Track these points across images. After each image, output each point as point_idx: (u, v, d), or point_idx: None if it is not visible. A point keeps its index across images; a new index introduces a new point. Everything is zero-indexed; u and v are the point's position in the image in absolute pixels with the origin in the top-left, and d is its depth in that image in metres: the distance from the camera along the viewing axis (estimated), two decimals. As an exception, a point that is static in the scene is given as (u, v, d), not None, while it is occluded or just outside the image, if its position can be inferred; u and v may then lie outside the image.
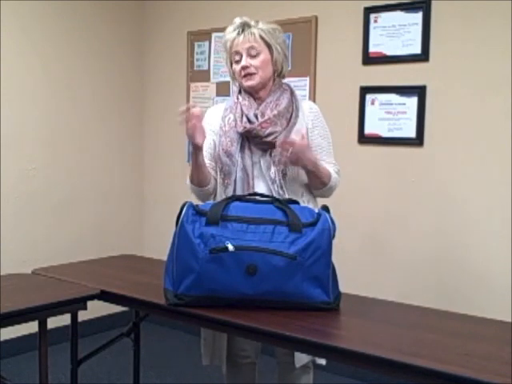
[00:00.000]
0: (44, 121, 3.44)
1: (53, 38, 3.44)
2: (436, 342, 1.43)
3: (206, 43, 3.61)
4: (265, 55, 1.94)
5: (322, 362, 2.05)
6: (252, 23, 1.95)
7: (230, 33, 1.97)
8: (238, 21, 1.97)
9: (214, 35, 3.57)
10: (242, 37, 1.93)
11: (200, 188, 1.97)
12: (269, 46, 1.95)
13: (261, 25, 1.96)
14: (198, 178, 1.95)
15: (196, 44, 3.67)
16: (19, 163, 3.33)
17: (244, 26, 1.94)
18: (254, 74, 1.94)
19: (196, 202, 1.76)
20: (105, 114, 3.78)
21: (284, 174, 1.94)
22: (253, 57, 1.93)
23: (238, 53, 1.95)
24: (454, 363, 1.29)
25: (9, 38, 3.23)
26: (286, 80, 2.08)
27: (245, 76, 1.95)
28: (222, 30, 3.49)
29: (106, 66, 3.75)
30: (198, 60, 3.67)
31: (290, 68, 2.13)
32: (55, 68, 3.47)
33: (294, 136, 1.84)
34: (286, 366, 2.10)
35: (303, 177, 1.98)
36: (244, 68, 1.94)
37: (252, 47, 1.92)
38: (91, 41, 3.65)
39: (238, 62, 1.96)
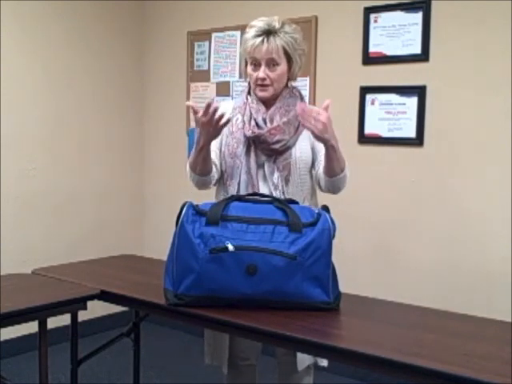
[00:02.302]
0: (44, 121, 3.44)
1: (53, 38, 3.44)
2: (436, 342, 1.43)
3: (206, 43, 3.61)
4: (283, 67, 1.91)
5: (324, 364, 2.04)
6: (276, 26, 1.89)
7: (253, 38, 1.89)
8: (262, 25, 1.89)
9: (213, 35, 3.57)
10: (264, 47, 1.87)
11: (201, 177, 1.94)
12: (289, 58, 1.92)
13: (284, 33, 1.88)
14: (201, 169, 1.91)
15: (196, 44, 3.67)
16: (19, 163, 3.33)
17: (269, 35, 1.88)
18: (269, 85, 1.92)
19: (196, 202, 1.76)
20: (105, 114, 3.78)
21: (287, 181, 1.93)
22: (271, 68, 1.90)
23: (256, 60, 1.90)
24: (454, 363, 1.29)
25: (9, 38, 3.23)
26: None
27: (259, 85, 1.92)
28: (222, 29, 3.54)
29: (106, 66, 3.75)
30: (198, 60, 3.67)
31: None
32: (55, 68, 3.47)
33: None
34: (286, 366, 2.09)
35: (305, 183, 1.98)
36: (261, 79, 1.91)
37: (272, 59, 1.89)
38: (91, 41, 3.65)
39: (255, 68, 1.92)
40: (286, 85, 2.00)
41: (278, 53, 1.89)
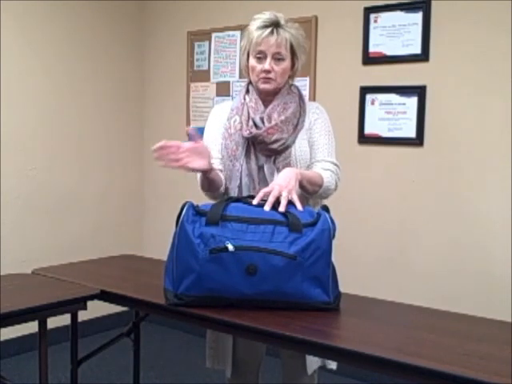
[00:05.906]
0: (44, 121, 3.44)
1: (53, 39, 3.44)
2: (436, 342, 1.43)
3: (206, 43, 3.61)
4: (287, 62, 1.88)
5: (333, 366, 2.01)
6: (282, 22, 1.86)
7: (260, 28, 1.84)
8: (268, 17, 1.86)
9: (213, 35, 3.58)
10: (273, 38, 1.83)
11: (211, 193, 1.94)
12: (293, 55, 1.89)
13: (290, 28, 1.87)
14: (210, 188, 1.90)
15: (196, 44, 3.67)
16: (19, 163, 3.33)
17: (277, 27, 1.85)
18: (273, 80, 1.87)
19: (196, 202, 1.75)
20: (105, 114, 3.78)
21: None
22: (277, 62, 1.86)
23: (262, 52, 1.86)
24: (454, 363, 1.29)
25: (9, 38, 3.23)
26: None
27: (263, 78, 1.88)
28: (222, 29, 3.54)
29: (106, 66, 3.75)
30: (197, 60, 3.67)
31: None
32: (55, 68, 3.47)
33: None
34: (292, 369, 2.06)
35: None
36: (266, 71, 1.86)
37: (279, 53, 1.85)
38: (91, 41, 3.65)
39: (259, 60, 1.87)
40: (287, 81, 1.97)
41: (286, 47, 1.85)
